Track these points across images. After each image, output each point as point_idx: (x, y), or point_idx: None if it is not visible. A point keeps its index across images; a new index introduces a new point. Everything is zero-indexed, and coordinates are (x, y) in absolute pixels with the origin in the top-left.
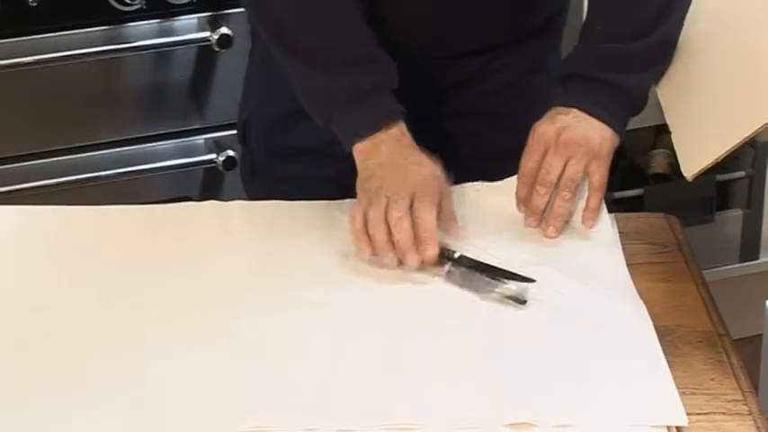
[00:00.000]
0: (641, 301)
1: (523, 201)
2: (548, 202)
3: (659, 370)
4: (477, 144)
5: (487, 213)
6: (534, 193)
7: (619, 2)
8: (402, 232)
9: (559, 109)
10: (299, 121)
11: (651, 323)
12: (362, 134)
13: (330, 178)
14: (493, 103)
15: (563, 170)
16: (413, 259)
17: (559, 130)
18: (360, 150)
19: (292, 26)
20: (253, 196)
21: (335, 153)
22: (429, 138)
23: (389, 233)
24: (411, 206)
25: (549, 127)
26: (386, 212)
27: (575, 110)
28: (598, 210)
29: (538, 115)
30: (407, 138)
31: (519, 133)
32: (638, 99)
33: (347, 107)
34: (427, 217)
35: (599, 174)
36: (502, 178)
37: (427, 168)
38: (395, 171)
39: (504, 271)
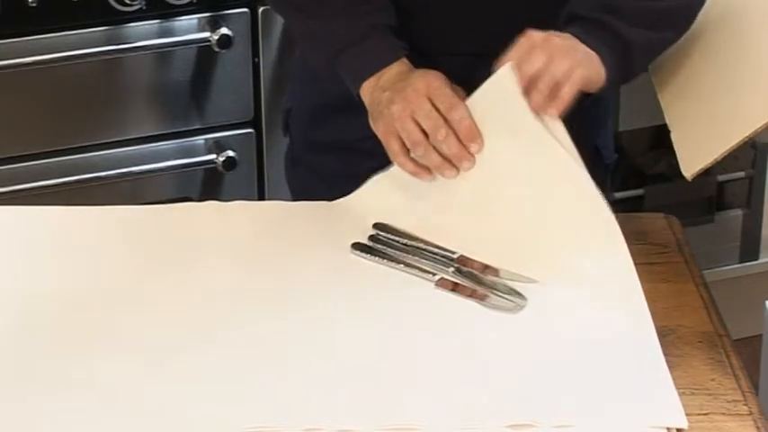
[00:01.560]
0: (644, 302)
1: None
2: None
3: (659, 372)
4: None
5: (486, 213)
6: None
7: None
8: (453, 148)
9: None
10: (334, 115)
11: (652, 324)
12: (366, 74)
13: (362, 176)
14: None
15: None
16: (468, 164)
17: (546, 36)
18: (365, 87)
19: None
20: (291, 187)
21: (369, 150)
22: None
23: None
24: (436, 108)
25: (537, 33)
26: (421, 130)
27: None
28: (565, 102)
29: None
30: (411, 67)
31: None
32: (638, 55)
33: (348, 50)
34: (464, 122)
35: (577, 75)
36: None
37: (429, 71)
38: (401, 87)
39: (505, 271)
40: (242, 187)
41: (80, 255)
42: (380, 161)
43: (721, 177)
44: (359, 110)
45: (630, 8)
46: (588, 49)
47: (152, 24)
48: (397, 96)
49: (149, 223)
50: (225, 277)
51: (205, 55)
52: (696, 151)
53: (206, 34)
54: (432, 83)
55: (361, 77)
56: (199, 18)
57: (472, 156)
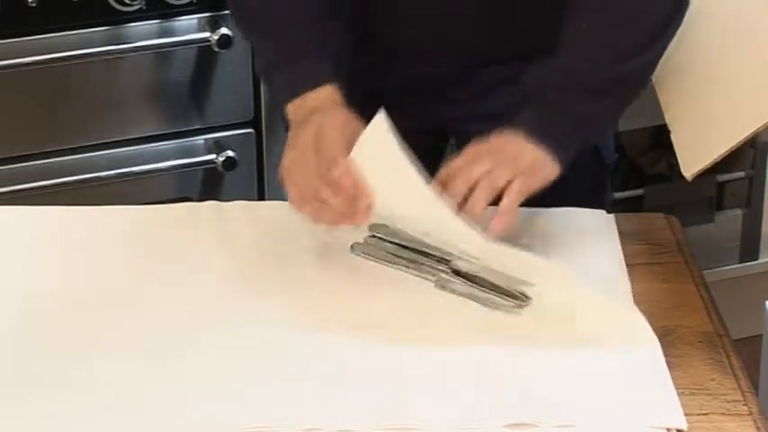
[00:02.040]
0: (636, 308)
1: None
2: (463, 198)
3: (659, 372)
4: None
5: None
6: (450, 186)
7: (599, 20)
8: (336, 204)
9: (506, 131)
10: None
11: (650, 327)
12: (288, 95)
13: None
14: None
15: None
16: (362, 218)
17: (494, 144)
18: (288, 112)
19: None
20: None
21: None
22: (465, 138)
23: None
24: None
25: (485, 142)
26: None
27: (521, 131)
28: (507, 215)
29: None
30: (334, 98)
31: None
32: (595, 129)
33: (279, 68)
34: (340, 175)
35: (518, 185)
36: None
37: (328, 117)
38: (297, 134)
39: (503, 275)
40: (242, 187)
41: (80, 255)
42: None
43: (721, 177)
44: (358, 108)
45: (592, 80)
46: (537, 152)
47: (152, 24)
48: (291, 144)
49: (149, 223)
50: (225, 278)
51: (205, 55)
52: (696, 151)
53: (206, 34)
54: (318, 133)
55: (283, 100)
56: (199, 18)
57: (363, 210)
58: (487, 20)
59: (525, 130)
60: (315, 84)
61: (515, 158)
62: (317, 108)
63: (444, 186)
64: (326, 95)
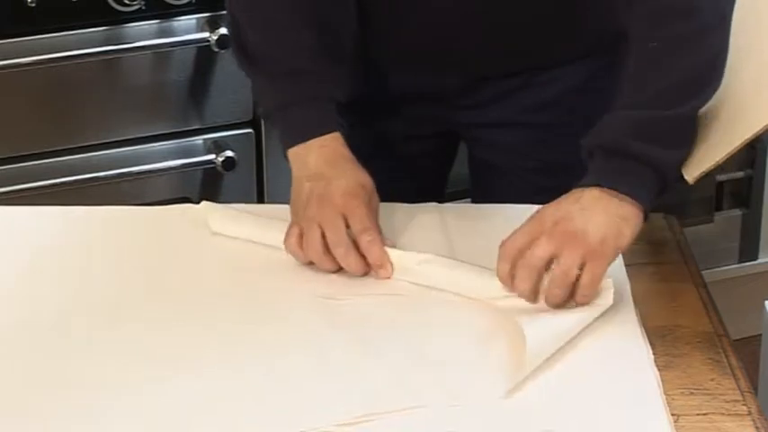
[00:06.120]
0: (639, 328)
1: (502, 278)
2: (533, 288)
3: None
4: (516, 155)
5: (480, 236)
6: (516, 277)
7: (656, 62)
8: (352, 265)
9: (574, 192)
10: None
11: (648, 348)
12: (292, 141)
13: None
14: (534, 116)
15: (553, 262)
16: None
17: (558, 218)
18: (291, 156)
19: (249, 36)
20: None
21: (375, 147)
22: (470, 146)
23: (335, 259)
24: (347, 225)
25: (549, 212)
26: (325, 240)
27: (590, 191)
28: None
29: (581, 133)
30: (340, 148)
31: (560, 148)
32: (671, 176)
33: (281, 112)
34: (374, 248)
35: (590, 273)
36: (539, 191)
37: (352, 179)
38: (322, 188)
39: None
40: (241, 188)
41: (79, 255)
42: (390, 157)
43: (721, 177)
44: (365, 111)
45: (655, 123)
46: (602, 215)
47: (151, 24)
48: (315, 201)
49: (149, 223)
50: (222, 279)
51: (204, 55)
52: (698, 155)
53: (205, 34)
54: (349, 202)
55: (286, 144)
56: (198, 18)
57: (380, 275)
58: (488, 42)
59: (598, 186)
60: (314, 134)
61: (583, 237)
62: (334, 162)
63: (504, 268)
64: (336, 146)
